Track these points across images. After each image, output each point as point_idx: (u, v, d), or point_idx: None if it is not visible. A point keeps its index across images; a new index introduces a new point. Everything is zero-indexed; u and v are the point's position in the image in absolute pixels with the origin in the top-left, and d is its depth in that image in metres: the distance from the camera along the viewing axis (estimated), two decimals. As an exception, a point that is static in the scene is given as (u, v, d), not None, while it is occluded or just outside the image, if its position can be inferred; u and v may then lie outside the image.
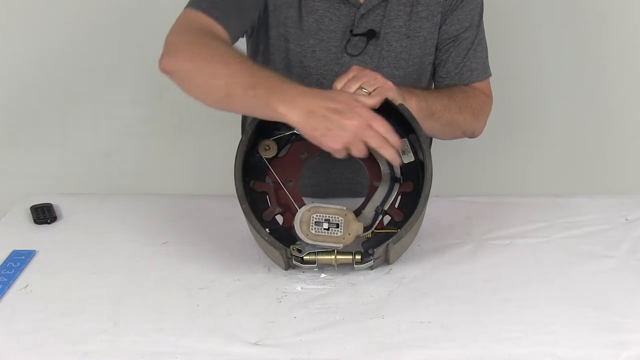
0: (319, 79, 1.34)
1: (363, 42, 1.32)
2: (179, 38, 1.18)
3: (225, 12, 1.23)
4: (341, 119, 1.03)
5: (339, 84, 1.13)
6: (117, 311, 1.08)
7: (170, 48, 1.18)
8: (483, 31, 1.40)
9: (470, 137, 1.42)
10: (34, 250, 1.23)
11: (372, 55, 1.33)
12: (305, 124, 1.04)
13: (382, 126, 1.05)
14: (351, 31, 1.31)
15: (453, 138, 1.39)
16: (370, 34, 1.31)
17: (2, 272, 1.17)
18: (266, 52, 1.37)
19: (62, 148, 2.17)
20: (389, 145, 1.06)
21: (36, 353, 1.00)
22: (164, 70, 1.16)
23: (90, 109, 2.12)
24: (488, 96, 1.43)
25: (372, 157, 1.17)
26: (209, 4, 1.23)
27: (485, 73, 1.42)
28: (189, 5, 1.25)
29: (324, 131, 1.04)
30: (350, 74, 1.14)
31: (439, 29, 1.36)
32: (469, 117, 1.35)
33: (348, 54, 1.33)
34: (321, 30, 1.32)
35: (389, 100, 1.14)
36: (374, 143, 1.05)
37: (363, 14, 1.31)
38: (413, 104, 1.19)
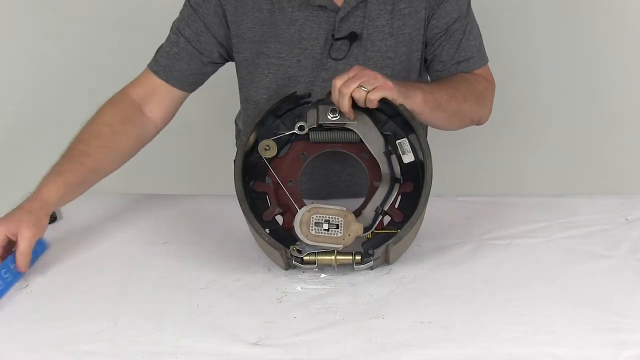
0: (307, 86, 1.33)
1: (346, 45, 1.31)
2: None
3: (157, 60, 1.35)
4: None
5: (338, 81, 1.13)
6: (117, 311, 1.08)
7: None
8: (473, 18, 1.39)
9: (477, 125, 1.41)
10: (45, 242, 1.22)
11: (357, 57, 1.32)
12: None
13: None
14: (333, 36, 1.31)
15: (461, 127, 1.37)
16: (352, 37, 1.30)
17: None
18: (245, 71, 1.37)
19: (63, 148, 2.17)
20: None
21: (36, 353, 1.00)
22: None
23: (90, 109, 2.12)
24: (490, 81, 1.42)
25: (372, 157, 1.18)
26: (154, 60, 1.36)
27: (482, 59, 1.41)
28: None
29: None
30: (351, 73, 1.14)
31: (427, 24, 1.34)
32: (474, 104, 1.35)
33: (332, 59, 1.32)
34: (303, 39, 1.31)
35: (389, 101, 1.15)
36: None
37: (342, 18, 1.29)
38: (419, 98, 1.18)
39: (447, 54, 1.37)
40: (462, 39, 1.36)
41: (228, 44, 1.35)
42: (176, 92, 1.36)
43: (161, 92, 1.35)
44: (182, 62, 1.33)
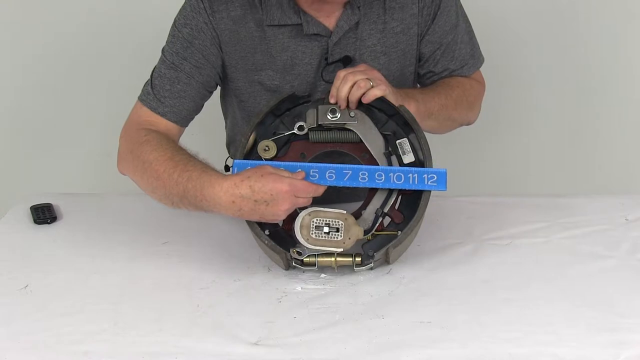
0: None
1: (339, 67, 1.29)
2: (124, 145, 1.27)
3: (160, 100, 1.27)
4: (268, 208, 1.07)
5: (344, 71, 1.15)
6: (117, 311, 1.08)
7: (119, 154, 1.28)
8: (463, 21, 1.38)
9: (466, 125, 1.42)
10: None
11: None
12: (239, 217, 1.10)
13: (304, 190, 1.09)
14: (326, 59, 1.30)
15: (449, 131, 1.39)
16: (346, 60, 1.29)
17: None
18: (237, 99, 1.36)
19: (62, 148, 2.17)
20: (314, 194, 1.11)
21: (36, 353, 1.00)
22: (121, 173, 1.28)
23: (90, 109, 2.12)
24: (481, 84, 1.44)
25: (372, 159, 1.17)
26: (146, 94, 1.29)
27: (476, 63, 1.41)
28: (139, 95, 1.31)
29: (258, 219, 1.10)
30: (359, 68, 1.16)
31: (421, 40, 1.34)
32: (464, 111, 1.36)
33: (325, 82, 1.31)
34: (296, 65, 1.30)
35: (389, 101, 1.15)
36: (304, 204, 1.11)
37: (336, 42, 1.28)
38: (412, 108, 1.19)
39: (442, 66, 1.37)
40: (456, 50, 1.37)
41: (223, 73, 1.33)
42: (183, 129, 1.32)
43: (174, 132, 1.29)
44: (187, 99, 1.28)
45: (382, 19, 1.30)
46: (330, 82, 1.28)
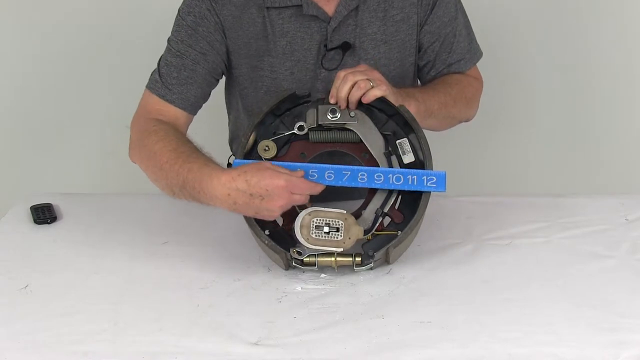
0: None
1: (339, 55, 1.30)
2: (134, 133, 1.28)
3: (168, 88, 1.28)
4: (263, 203, 1.07)
5: (344, 71, 1.15)
6: (117, 311, 1.08)
7: (130, 143, 1.29)
8: (462, 15, 1.39)
9: (465, 122, 1.43)
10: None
11: (351, 66, 1.30)
12: (234, 211, 1.10)
13: (301, 187, 1.08)
14: (325, 46, 1.30)
15: (448, 128, 1.40)
16: (345, 47, 1.30)
17: None
18: (240, 87, 1.37)
19: (62, 148, 2.17)
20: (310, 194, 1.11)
21: (36, 353, 1.00)
22: (132, 162, 1.29)
23: (90, 109, 2.12)
24: (479, 80, 1.44)
25: (372, 159, 1.17)
26: (153, 82, 1.30)
27: (473, 59, 1.41)
28: (147, 84, 1.32)
29: (253, 214, 1.10)
30: (359, 68, 1.16)
31: (420, 29, 1.35)
32: (463, 107, 1.37)
33: (325, 69, 1.31)
34: (295, 51, 1.30)
35: (389, 101, 1.15)
36: (301, 202, 1.10)
37: (335, 28, 1.29)
38: (412, 108, 1.19)
39: (440, 59, 1.38)
40: (454, 42, 1.37)
41: (228, 60, 1.33)
42: (191, 117, 1.32)
43: (182, 120, 1.30)
44: (194, 86, 1.29)
45: (382, 7, 1.31)
46: (329, 70, 1.28)
